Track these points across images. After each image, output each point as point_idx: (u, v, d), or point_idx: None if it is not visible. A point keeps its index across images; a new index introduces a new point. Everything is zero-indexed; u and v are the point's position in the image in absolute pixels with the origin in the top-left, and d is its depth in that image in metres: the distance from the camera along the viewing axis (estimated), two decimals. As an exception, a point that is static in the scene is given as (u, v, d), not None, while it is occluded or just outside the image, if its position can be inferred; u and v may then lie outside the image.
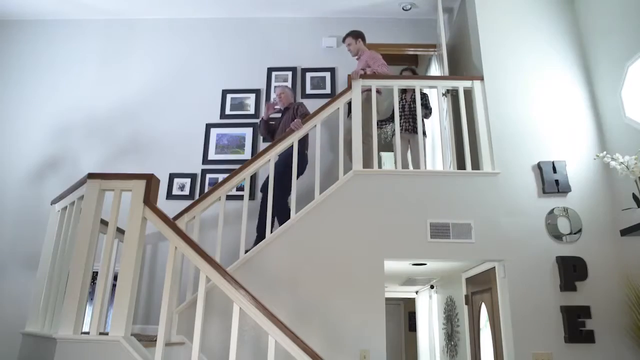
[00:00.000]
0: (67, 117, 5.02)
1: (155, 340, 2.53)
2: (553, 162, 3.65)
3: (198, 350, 2.45)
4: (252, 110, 5.00)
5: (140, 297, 4.22)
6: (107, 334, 2.53)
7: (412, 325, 8.27)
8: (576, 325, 3.26)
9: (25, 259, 4.41)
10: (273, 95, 5.06)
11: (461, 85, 3.99)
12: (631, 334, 3.22)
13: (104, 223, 2.95)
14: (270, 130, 4.50)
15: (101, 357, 2.42)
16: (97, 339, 2.48)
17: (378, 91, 4.18)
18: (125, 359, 2.41)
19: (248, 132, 4.90)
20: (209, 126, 4.95)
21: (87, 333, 2.54)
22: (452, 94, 4.34)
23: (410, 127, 4.43)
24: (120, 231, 3.45)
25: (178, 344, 3.22)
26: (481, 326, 4.05)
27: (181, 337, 3.29)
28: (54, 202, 3.30)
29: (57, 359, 2.42)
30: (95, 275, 2.85)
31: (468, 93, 4.01)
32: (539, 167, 3.66)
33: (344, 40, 4.54)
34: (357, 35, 4.46)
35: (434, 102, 4.46)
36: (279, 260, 3.47)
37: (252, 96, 5.07)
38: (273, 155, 3.77)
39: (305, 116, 3.96)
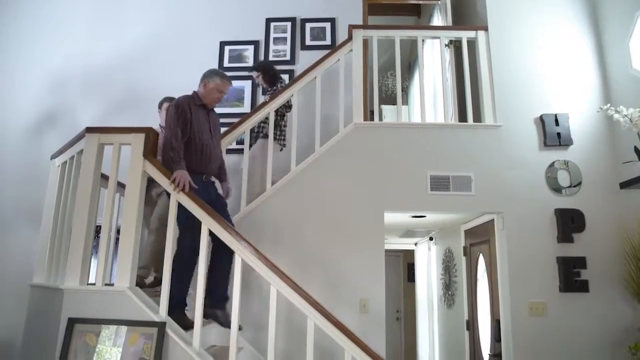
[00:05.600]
0: (65, 70, 4.92)
1: (159, 292, 2.59)
2: (556, 115, 3.61)
3: (202, 301, 2.52)
4: (250, 63, 4.88)
5: (143, 250, 4.28)
6: (112, 285, 2.59)
7: (410, 276, 8.44)
8: (571, 275, 3.33)
9: (29, 214, 4.44)
10: (273, 47, 4.94)
11: (465, 35, 3.89)
12: (624, 283, 3.29)
13: (105, 178, 2.95)
14: None
15: (107, 306, 2.49)
16: (103, 290, 2.54)
17: None
18: (130, 307, 2.48)
19: (247, 85, 4.81)
20: (207, 79, 4.86)
21: (93, 284, 2.60)
22: (455, 45, 4.24)
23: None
24: (121, 185, 3.46)
25: (182, 294, 3.29)
26: (478, 276, 4.14)
27: (185, 288, 3.36)
28: (53, 157, 3.29)
29: (65, 308, 2.49)
30: (98, 229, 2.89)
31: (471, 44, 3.92)
32: (542, 119, 3.62)
33: (160, 105, 3.82)
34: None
35: (436, 53, 4.36)
36: (280, 212, 3.50)
37: (251, 48, 4.95)
38: (273, 107, 3.72)
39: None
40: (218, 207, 2.87)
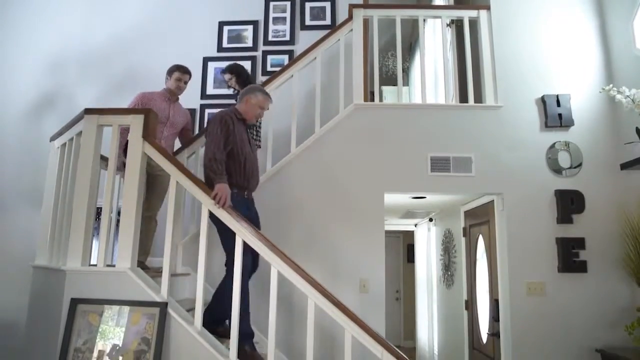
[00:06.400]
0: (63, 52, 4.88)
1: (161, 272, 2.61)
2: (557, 96, 3.58)
3: (202, 280, 2.54)
4: (250, 43, 4.85)
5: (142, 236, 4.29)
6: (113, 266, 2.61)
7: (410, 257, 8.51)
8: (570, 255, 3.35)
9: (30, 195, 4.46)
10: (272, 27, 4.89)
11: (466, 15, 3.84)
12: (623, 264, 3.31)
13: (105, 159, 2.95)
14: None
15: (110, 287, 2.51)
16: (104, 270, 2.56)
17: None
18: (132, 288, 2.51)
19: (246, 66, 4.75)
20: (206, 60, 4.82)
21: (95, 265, 2.62)
22: (457, 24, 4.19)
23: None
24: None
25: (183, 275, 3.33)
26: (478, 257, 4.17)
27: (186, 268, 3.39)
28: (52, 138, 3.28)
29: (68, 289, 2.52)
30: (99, 210, 2.90)
31: (473, 24, 3.87)
32: (543, 100, 3.60)
33: (170, 73, 3.70)
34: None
35: (437, 33, 4.31)
36: (280, 193, 3.50)
37: (250, 28, 4.90)
38: (273, 88, 3.70)
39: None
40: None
